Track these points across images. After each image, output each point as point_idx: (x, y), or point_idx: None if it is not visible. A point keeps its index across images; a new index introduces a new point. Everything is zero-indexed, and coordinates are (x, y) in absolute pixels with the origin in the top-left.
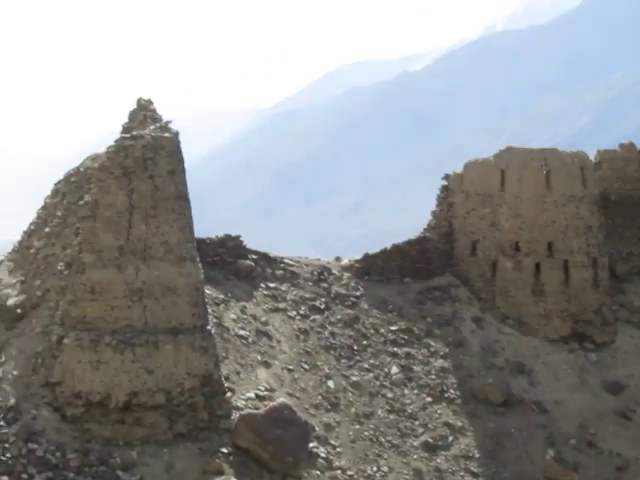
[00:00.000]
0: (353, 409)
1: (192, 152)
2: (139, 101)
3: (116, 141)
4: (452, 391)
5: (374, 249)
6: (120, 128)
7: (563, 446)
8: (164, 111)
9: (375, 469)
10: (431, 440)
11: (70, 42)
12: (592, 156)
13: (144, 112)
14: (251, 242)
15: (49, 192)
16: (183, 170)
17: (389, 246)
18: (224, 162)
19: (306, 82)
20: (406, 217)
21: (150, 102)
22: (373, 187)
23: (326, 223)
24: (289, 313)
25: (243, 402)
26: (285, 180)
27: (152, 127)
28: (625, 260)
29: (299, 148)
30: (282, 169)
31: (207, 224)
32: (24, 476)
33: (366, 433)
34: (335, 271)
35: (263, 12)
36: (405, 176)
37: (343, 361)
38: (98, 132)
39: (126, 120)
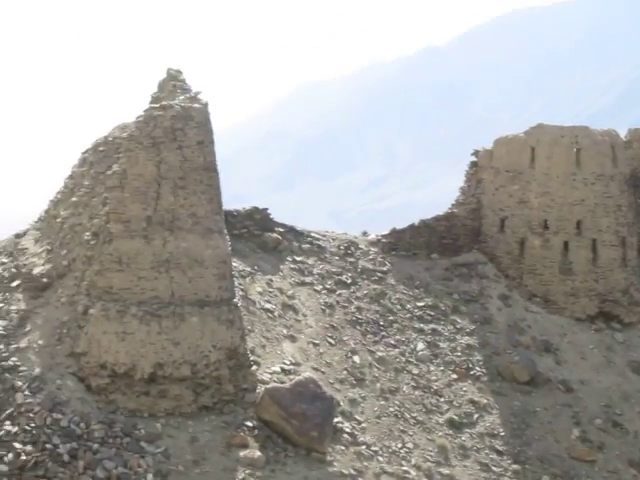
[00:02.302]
0: (378, 384)
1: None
2: (168, 71)
3: (145, 111)
4: (478, 368)
5: (396, 223)
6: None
7: (588, 426)
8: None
9: (400, 445)
10: (456, 417)
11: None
12: (622, 135)
13: (173, 82)
14: (273, 215)
15: (76, 161)
16: (212, 141)
17: (416, 222)
18: (245, 134)
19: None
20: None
21: (179, 72)
22: (394, 161)
23: (347, 197)
24: (315, 287)
25: (268, 376)
26: (305, 154)
27: (181, 97)
28: None
29: (320, 122)
30: (302, 142)
31: (227, 196)
32: (48, 446)
33: (391, 409)
34: (362, 246)
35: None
36: (426, 150)
37: (369, 336)
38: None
39: (155, 90)
